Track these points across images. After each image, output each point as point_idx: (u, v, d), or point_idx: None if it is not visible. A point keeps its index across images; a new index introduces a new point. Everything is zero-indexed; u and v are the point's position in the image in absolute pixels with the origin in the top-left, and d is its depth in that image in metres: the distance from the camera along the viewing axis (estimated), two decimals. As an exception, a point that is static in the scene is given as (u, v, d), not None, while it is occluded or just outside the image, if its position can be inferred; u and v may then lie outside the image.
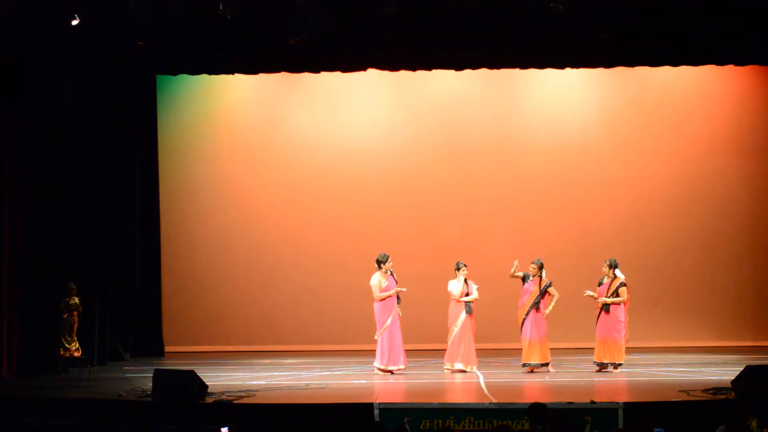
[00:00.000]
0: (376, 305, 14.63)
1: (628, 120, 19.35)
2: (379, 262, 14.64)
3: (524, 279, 14.70)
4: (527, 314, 14.53)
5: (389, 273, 14.64)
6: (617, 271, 14.61)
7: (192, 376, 11.76)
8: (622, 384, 13.40)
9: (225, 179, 19.47)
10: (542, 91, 19.38)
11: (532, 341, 14.44)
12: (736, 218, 19.25)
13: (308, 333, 19.15)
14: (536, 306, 14.48)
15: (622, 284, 14.55)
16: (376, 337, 14.61)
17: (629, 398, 11.46)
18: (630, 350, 14.97)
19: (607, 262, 14.72)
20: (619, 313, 14.53)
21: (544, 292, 14.55)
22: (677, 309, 19.09)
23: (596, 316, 14.70)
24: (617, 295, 14.49)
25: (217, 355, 18.14)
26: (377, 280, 14.56)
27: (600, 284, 14.73)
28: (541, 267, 14.69)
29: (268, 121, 19.54)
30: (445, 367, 14.72)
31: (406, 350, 14.75)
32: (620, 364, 14.46)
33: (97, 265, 16.86)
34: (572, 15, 15.19)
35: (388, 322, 14.49)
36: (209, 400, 11.60)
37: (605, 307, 14.51)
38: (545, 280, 14.61)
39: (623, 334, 14.50)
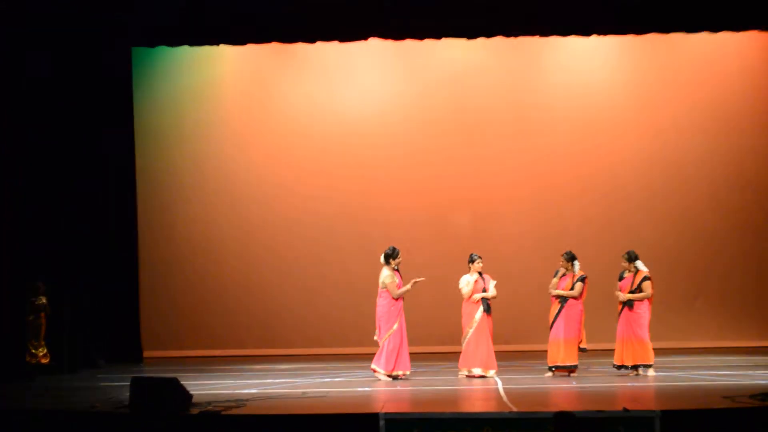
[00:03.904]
0: (384, 305, 14.52)
1: (661, 93, 19.32)
2: (388, 257, 14.55)
3: (555, 275, 14.61)
4: (558, 313, 14.45)
5: (396, 268, 14.58)
6: (639, 263, 14.53)
7: (174, 384, 11.69)
8: (657, 389, 13.31)
9: (210, 163, 19.47)
10: (565, 62, 19.36)
11: (565, 341, 14.38)
12: (784, 202, 19.22)
13: (305, 335, 19.17)
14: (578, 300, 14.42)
15: (646, 278, 14.49)
16: (377, 338, 14.56)
17: (666, 405, 11.34)
18: (664, 352, 14.87)
19: (626, 255, 14.64)
20: (643, 309, 14.48)
21: (576, 288, 14.47)
22: (719, 304, 19.06)
23: (618, 314, 14.62)
24: (640, 291, 14.42)
25: (202, 361, 18.12)
26: (391, 277, 14.47)
27: (621, 279, 14.65)
28: (571, 259, 14.58)
29: (259, 98, 19.52)
30: (460, 373, 14.67)
31: (413, 353, 14.76)
32: (650, 366, 14.40)
33: (66, 261, 16.79)
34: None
35: (396, 326, 14.43)
36: (194, 411, 11.52)
37: (629, 304, 14.45)
38: (579, 273, 14.51)
39: (647, 332, 14.45)
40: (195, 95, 19.56)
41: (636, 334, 14.38)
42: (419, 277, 14.55)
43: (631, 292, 14.45)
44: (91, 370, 16.89)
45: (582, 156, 19.29)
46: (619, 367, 14.50)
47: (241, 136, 19.50)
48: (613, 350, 14.66)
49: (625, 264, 14.58)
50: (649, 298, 14.49)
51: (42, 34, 15.87)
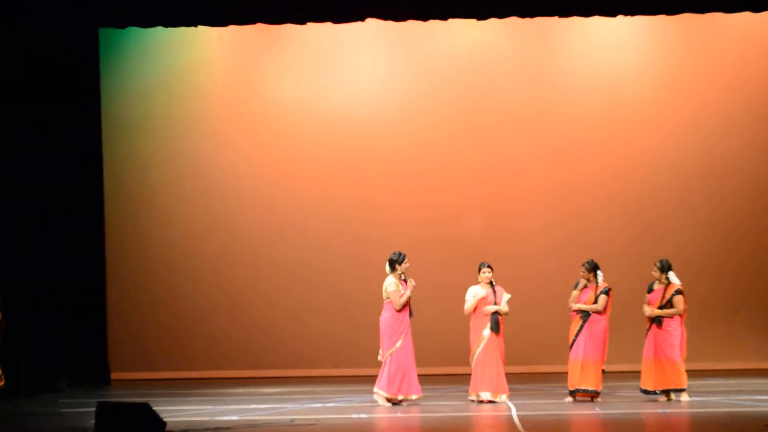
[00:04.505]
0: (387, 318, 14.48)
1: (698, 82, 19.31)
2: (393, 263, 14.51)
3: (575, 288, 14.56)
4: (580, 329, 14.41)
5: (403, 278, 14.51)
6: (671, 275, 14.47)
7: (146, 410, 11.68)
8: (692, 417, 13.30)
9: (187, 160, 19.47)
10: (588, 47, 19.36)
11: (585, 362, 14.33)
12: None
13: (293, 355, 19.17)
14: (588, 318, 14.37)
15: (678, 292, 14.42)
16: (380, 358, 14.51)
17: (703, 435, 11.38)
18: (700, 374, 14.81)
19: (658, 264, 14.57)
20: (674, 326, 14.41)
21: (600, 301, 14.41)
22: (763, 319, 19.01)
23: (645, 332, 14.56)
24: (671, 306, 14.38)
25: (177, 384, 18.12)
26: (395, 285, 14.42)
27: (650, 291, 14.59)
28: (594, 268, 14.53)
29: (242, 87, 19.53)
30: (469, 397, 14.64)
31: (418, 375, 14.66)
32: (683, 390, 14.36)
33: (24, 272, 16.76)
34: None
35: (399, 343, 14.40)
36: (168, 440, 11.52)
37: (657, 320, 14.40)
38: (602, 285, 14.47)
39: (679, 352, 14.38)
40: (170, 82, 19.53)
41: (666, 354, 14.31)
42: (412, 281, 14.48)
43: (661, 306, 14.37)
44: (52, 393, 16.87)
45: (608, 153, 19.25)
46: (646, 392, 14.46)
47: (222, 129, 19.47)
48: (636, 372, 14.62)
49: (656, 274, 14.51)
50: (681, 315, 14.43)
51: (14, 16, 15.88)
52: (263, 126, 19.44)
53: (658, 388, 14.34)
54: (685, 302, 14.43)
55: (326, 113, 19.38)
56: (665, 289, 14.41)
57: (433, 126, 19.34)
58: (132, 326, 19.13)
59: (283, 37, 19.07)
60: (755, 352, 18.88)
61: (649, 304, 14.45)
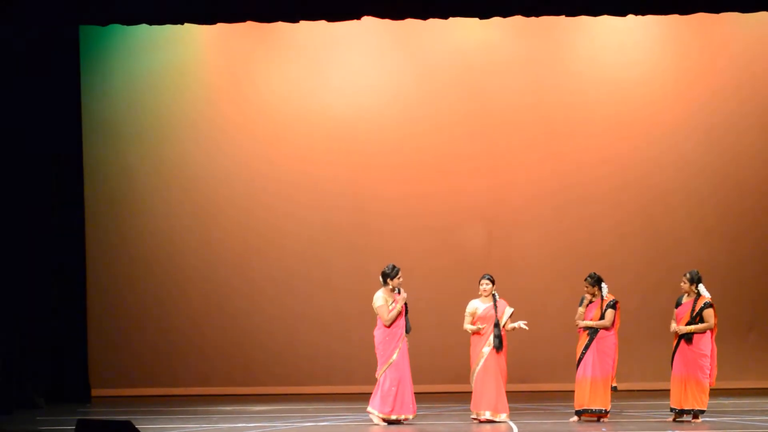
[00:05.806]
0: (379, 335, 14.58)
1: (710, 85, 19.29)
2: (386, 276, 14.57)
3: (581, 304, 14.62)
4: (587, 347, 14.47)
5: (397, 291, 14.57)
6: (701, 288, 14.50)
7: (128, 428, 11.77)
8: (705, 438, 13.44)
9: (173, 164, 19.45)
10: (596, 47, 19.37)
11: (594, 381, 14.39)
12: None
13: (283, 371, 19.18)
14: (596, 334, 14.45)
15: (708, 305, 14.42)
16: (377, 375, 14.58)
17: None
18: (712, 393, 14.87)
19: (688, 276, 14.54)
20: (704, 343, 14.41)
21: (607, 316, 14.49)
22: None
23: (672, 348, 14.61)
24: (701, 320, 14.42)
25: (160, 401, 18.16)
26: (383, 299, 14.52)
27: (678, 305, 14.60)
28: (598, 282, 14.58)
29: (231, 89, 19.50)
30: (471, 415, 14.71)
31: (416, 393, 14.73)
32: (702, 412, 14.40)
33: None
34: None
35: (395, 356, 14.47)
36: (151, 460, 11.60)
37: (686, 336, 14.43)
38: (608, 298, 14.58)
39: (708, 372, 14.39)
40: (156, 83, 19.48)
41: (695, 375, 14.29)
42: (403, 293, 14.56)
43: (691, 320, 14.37)
44: (29, 411, 16.90)
45: (616, 159, 19.22)
46: (680, 412, 14.46)
47: (211, 132, 19.43)
48: (648, 390, 14.64)
49: (685, 286, 14.47)
50: (712, 330, 14.40)
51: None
52: (255, 130, 19.39)
53: (684, 407, 14.38)
54: (716, 316, 14.44)
55: (321, 117, 19.35)
56: (694, 302, 14.44)
57: (432, 130, 19.33)
58: (114, 340, 19.09)
59: (276, 37, 19.04)
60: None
61: (676, 318, 14.48)
